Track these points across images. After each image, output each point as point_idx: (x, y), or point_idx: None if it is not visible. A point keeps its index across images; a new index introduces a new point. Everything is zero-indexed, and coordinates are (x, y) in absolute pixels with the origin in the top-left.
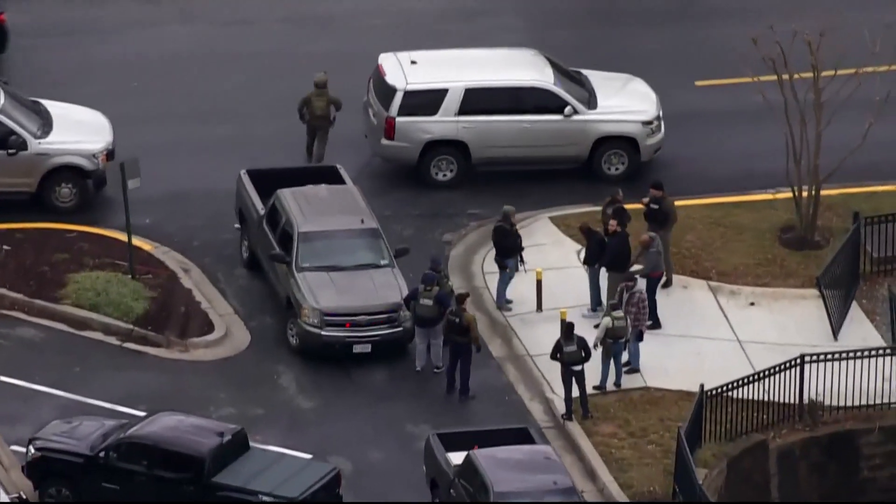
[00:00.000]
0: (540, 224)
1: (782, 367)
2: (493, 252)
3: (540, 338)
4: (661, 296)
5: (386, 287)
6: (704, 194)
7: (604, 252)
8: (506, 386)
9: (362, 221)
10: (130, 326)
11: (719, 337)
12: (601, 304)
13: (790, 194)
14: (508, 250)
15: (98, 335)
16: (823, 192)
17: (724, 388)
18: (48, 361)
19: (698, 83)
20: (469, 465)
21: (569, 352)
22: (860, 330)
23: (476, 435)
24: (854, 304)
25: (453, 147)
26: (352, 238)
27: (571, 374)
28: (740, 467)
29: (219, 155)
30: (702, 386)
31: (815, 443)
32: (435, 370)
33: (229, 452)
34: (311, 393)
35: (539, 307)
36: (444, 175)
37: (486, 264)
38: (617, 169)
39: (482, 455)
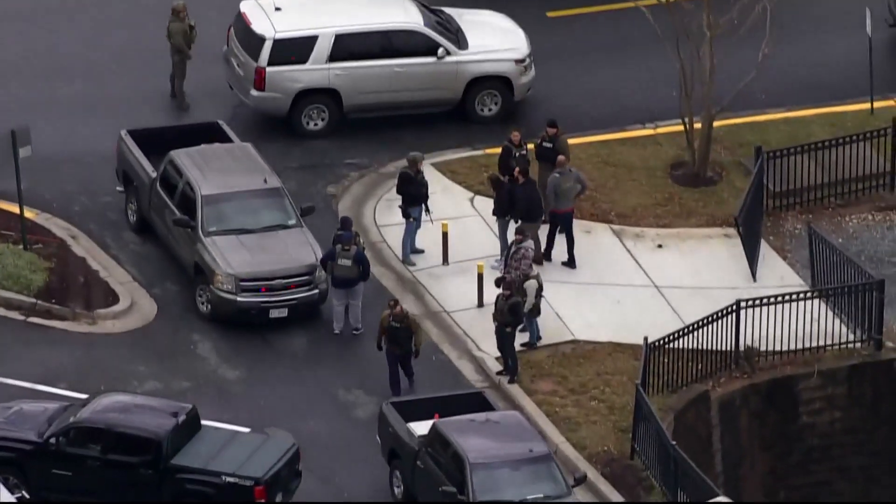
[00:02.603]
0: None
1: (720, 314)
2: (382, 202)
3: (452, 292)
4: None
5: (299, 248)
6: (582, 132)
7: (513, 202)
8: (429, 346)
9: (265, 181)
10: (33, 300)
11: (635, 283)
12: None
13: (672, 128)
14: (413, 199)
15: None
16: (699, 125)
17: (667, 340)
18: None
19: (550, 14)
20: (437, 436)
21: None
22: (776, 269)
23: (431, 402)
24: (762, 242)
25: (325, 95)
26: (257, 198)
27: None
28: (685, 420)
29: (76, 114)
30: (646, 339)
31: (755, 390)
32: (353, 332)
33: (184, 433)
34: (233, 362)
35: (445, 260)
36: (316, 124)
37: (378, 216)
38: (490, 110)
39: (449, 424)
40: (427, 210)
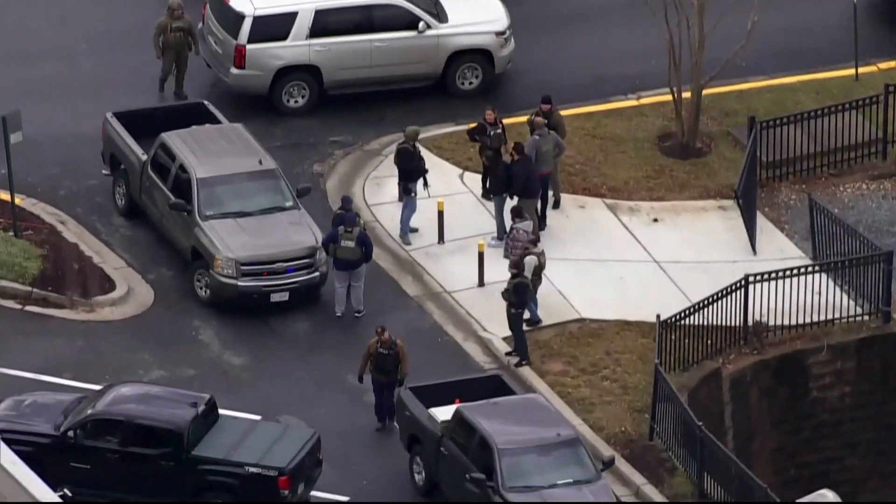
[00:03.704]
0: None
1: (729, 289)
2: (370, 181)
3: (451, 272)
4: (559, 218)
5: (299, 230)
6: (564, 104)
7: (510, 180)
8: (433, 327)
9: (260, 162)
10: (29, 288)
11: (635, 259)
12: (507, 232)
13: (655, 98)
14: (414, 173)
15: None
16: (686, 95)
17: (679, 317)
18: None
19: None
20: (461, 421)
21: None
22: (774, 241)
23: (451, 386)
24: (759, 214)
25: (305, 72)
26: (253, 181)
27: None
28: (698, 398)
29: (51, 96)
30: (658, 316)
31: (765, 366)
32: (356, 314)
33: (203, 423)
34: (236, 348)
35: (441, 239)
36: (296, 101)
37: (368, 195)
38: (471, 83)
39: (472, 409)
40: (426, 184)
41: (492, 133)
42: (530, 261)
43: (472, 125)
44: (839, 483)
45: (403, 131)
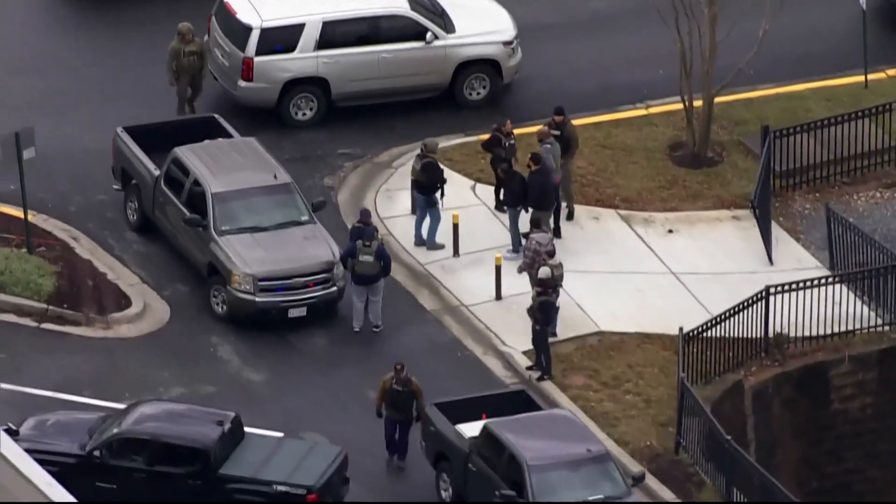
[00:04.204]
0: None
1: (750, 301)
2: (382, 193)
3: (467, 285)
4: (574, 230)
5: (315, 245)
6: (572, 114)
7: (525, 192)
8: (453, 342)
9: (275, 176)
10: (45, 306)
11: (652, 271)
12: (522, 245)
13: (664, 108)
14: (435, 185)
15: (11, 317)
16: (697, 104)
17: (701, 330)
18: None
19: None
20: (489, 437)
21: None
22: (791, 251)
23: (477, 402)
24: (774, 224)
25: (313, 84)
26: (268, 195)
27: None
28: (721, 411)
29: (56, 110)
30: (681, 329)
31: (787, 378)
32: (374, 329)
33: (230, 441)
34: (255, 364)
35: (456, 252)
36: (304, 114)
37: (380, 208)
38: (479, 94)
39: (500, 424)
40: (442, 194)
41: (507, 144)
42: (543, 272)
43: (486, 137)
44: (861, 494)
45: (423, 145)
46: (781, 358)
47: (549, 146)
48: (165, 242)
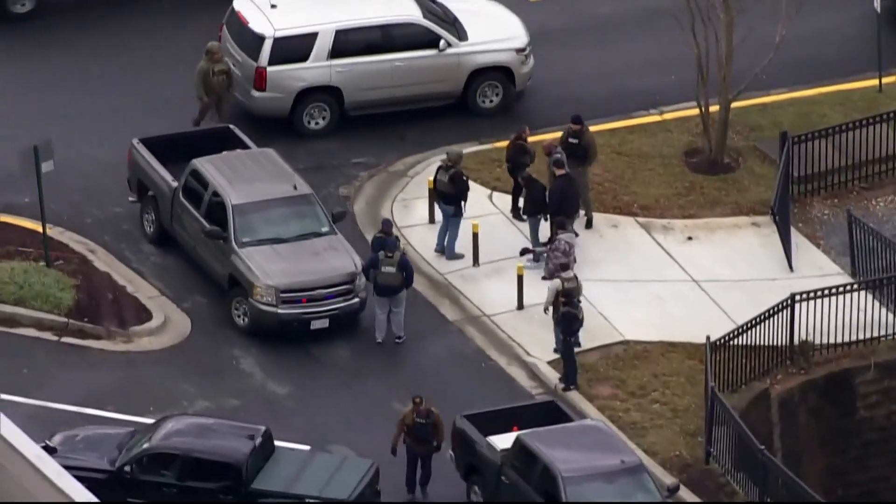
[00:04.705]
0: (435, 169)
1: (775, 308)
2: (398, 203)
3: (489, 295)
4: (593, 238)
5: (337, 256)
6: (588, 121)
7: (545, 201)
8: (476, 352)
9: (295, 187)
10: (65, 319)
11: (672, 278)
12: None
13: (679, 114)
14: (461, 196)
15: (31, 331)
16: (713, 109)
17: (728, 338)
18: None
19: None
20: (522, 449)
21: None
22: (811, 257)
23: (507, 413)
24: (793, 230)
25: (326, 93)
26: (288, 206)
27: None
28: (748, 419)
29: (67, 123)
30: (708, 337)
31: (813, 386)
32: (396, 340)
33: (261, 456)
34: (279, 377)
35: (476, 261)
36: (317, 123)
37: (397, 217)
38: (492, 101)
39: (533, 436)
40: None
41: (532, 152)
42: (553, 286)
43: (507, 144)
44: (887, 502)
45: (447, 156)
46: (807, 366)
47: (558, 156)
48: (183, 254)
